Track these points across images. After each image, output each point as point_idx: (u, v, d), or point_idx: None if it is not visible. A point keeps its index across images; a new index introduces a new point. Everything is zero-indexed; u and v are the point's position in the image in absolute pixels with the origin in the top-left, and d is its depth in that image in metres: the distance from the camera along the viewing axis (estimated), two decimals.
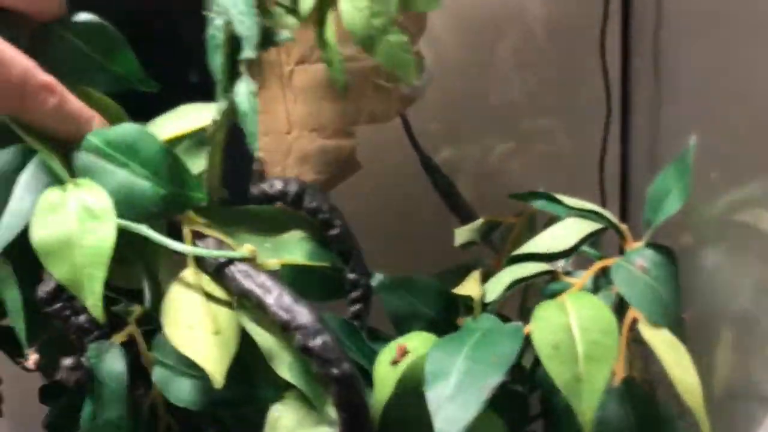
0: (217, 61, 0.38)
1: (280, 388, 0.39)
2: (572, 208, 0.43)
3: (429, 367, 0.36)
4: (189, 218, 0.39)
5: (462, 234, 0.48)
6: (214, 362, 0.36)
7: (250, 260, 0.39)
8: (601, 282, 0.43)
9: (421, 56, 0.55)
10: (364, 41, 0.37)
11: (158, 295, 0.40)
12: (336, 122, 0.55)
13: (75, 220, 0.35)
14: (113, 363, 0.40)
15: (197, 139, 0.40)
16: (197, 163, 0.39)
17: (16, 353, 0.49)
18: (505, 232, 0.51)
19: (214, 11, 0.38)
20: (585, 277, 0.41)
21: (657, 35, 0.54)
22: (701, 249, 0.46)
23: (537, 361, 0.40)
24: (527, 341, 0.37)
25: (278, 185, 0.42)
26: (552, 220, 0.46)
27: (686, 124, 0.50)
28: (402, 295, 0.44)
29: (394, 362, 0.38)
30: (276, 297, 0.37)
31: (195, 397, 0.39)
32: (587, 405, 0.34)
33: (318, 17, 0.38)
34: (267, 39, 0.37)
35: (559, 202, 0.44)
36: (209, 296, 0.38)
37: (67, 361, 0.39)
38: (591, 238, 0.42)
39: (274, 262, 0.40)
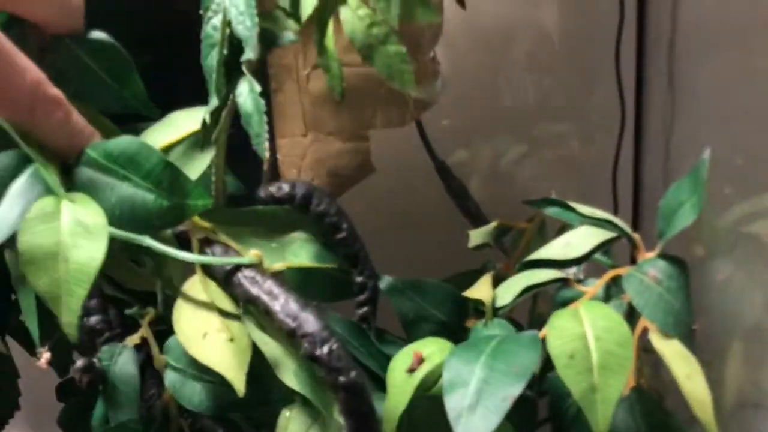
0: (211, 60, 0.38)
1: (291, 391, 0.39)
2: (585, 217, 0.44)
3: (447, 375, 0.36)
4: (195, 223, 0.39)
5: (476, 236, 0.48)
6: (233, 370, 0.36)
7: (256, 265, 0.39)
8: (612, 290, 0.43)
9: (437, 62, 0.56)
10: (363, 50, 0.37)
11: (171, 299, 0.40)
12: (351, 126, 0.56)
13: (67, 232, 0.35)
14: (126, 366, 0.40)
15: (190, 143, 0.40)
16: (194, 167, 0.39)
17: (33, 349, 0.50)
18: (516, 237, 0.51)
19: (212, 10, 0.38)
20: (597, 285, 0.42)
21: (672, 46, 0.55)
22: (713, 260, 0.47)
23: (546, 366, 0.41)
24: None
25: (286, 188, 0.43)
26: (564, 226, 0.47)
27: (699, 135, 0.51)
28: (411, 298, 0.44)
29: (411, 370, 0.38)
30: (282, 304, 0.37)
31: (207, 401, 0.39)
32: (602, 415, 0.35)
33: (318, 23, 0.38)
34: (269, 41, 0.37)
35: (573, 210, 0.45)
36: (219, 303, 0.38)
37: (80, 363, 0.39)
38: (604, 247, 0.43)
39: (279, 266, 0.41)
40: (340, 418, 0.38)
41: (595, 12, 0.64)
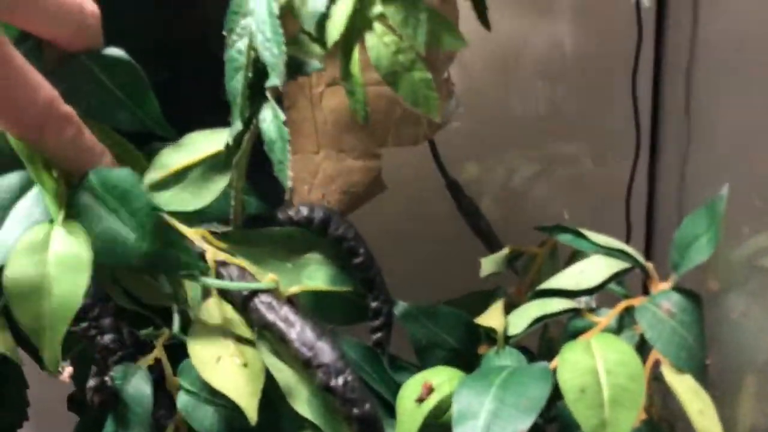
0: (236, 84, 0.37)
1: (303, 419, 0.39)
2: (598, 245, 0.44)
3: (457, 406, 0.36)
4: (212, 243, 0.39)
5: (488, 264, 0.48)
6: (246, 396, 0.36)
7: (273, 290, 0.39)
8: (625, 320, 0.43)
9: (451, 82, 0.56)
10: (388, 76, 0.36)
11: (186, 320, 0.40)
12: (364, 144, 0.56)
13: (53, 263, 0.35)
14: (139, 386, 0.40)
15: (208, 165, 0.40)
16: (210, 190, 0.39)
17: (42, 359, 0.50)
18: (527, 261, 0.51)
19: (236, 33, 0.37)
20: (610, 316, 0.42)
21: (689, 73, 0.54)
22: (727, 294, 0.47)
23: (557, 394, 0.41)
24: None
25: (304, 212, 0.42)
26: (576, 252, 0.47)
27: (715, 163, 0.50)
28: (425, 324, 0.44)
29: (420, 399, 0.38)
30: (299, 332, 0.37)
31: (219, 425, 0.39)
32: None
33: (343, 48, 0.37)
34: (295, 68, 0.37)
35: (585, 238, 0.45)
36: (233, 327, 0.38)
37: (92, 382, 0.39)
38: (617, 278, 0.43)
39: (295, 289, 0.40)
40: None
41: (612, 35, 0.63)
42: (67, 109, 0.35)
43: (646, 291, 0.43)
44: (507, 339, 0.43)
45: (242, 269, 0.39)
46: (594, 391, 0.36)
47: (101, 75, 0.38)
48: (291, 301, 0.39)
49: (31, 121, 0.34)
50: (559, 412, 0.42)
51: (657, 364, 0.40)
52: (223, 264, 0.39)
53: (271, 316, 0.38)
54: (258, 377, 0.37)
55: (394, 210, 0.65)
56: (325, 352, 0.36)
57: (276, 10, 0.36)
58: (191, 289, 0.40)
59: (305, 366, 0.37)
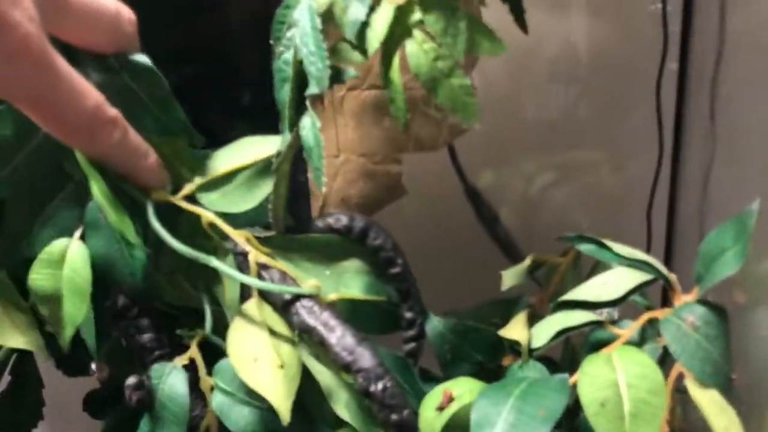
0: (284, 95, 0.38)
1: (336, 424, 0.39)
2: (622, 257, 0.43)
3: (475, 415, 0.36)
4: (255, 248, 0.40)
5: (509, 277, 0.48)
6: (281, 397, 0.36)
7: (313, 296, 0.39)
8: (647, 332, 0.42)
9: (474, 89, 0.55)
10: (428, 83, 0.37)
11: (219, 322, 0.41)
12: (384, 148, 0.55)
13: (65, 280, 0.39)
14: (176, 385, 0.40)
15: (256, 170, 0.41)
16: (254, 195, 0.40)
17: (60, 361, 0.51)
18: (549, 270, 0.51)
19: (283, 44, 0.38)
20: (632, 328, 0.41)
21: (715, 83, 0.54)
22: (754, 308, 0.46)
23: (577, 407, 0.41)
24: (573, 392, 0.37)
25: (344, 220, 0.43)
26: (599, 262, 0.46)
27: (739, 172, 0.50)
28: (451, 340, 0.43)
29: (440, 408, 0.38)
30: (339, 337, 0.37)
31: (254, 426, 0.39)
32: None
33: (384, 56, 0.37)
34: (334, 77, 0.37)
35: (608, 249, 0.44)
36: (272, 328, 0.39)
37: (131, 380, 0.40)
38: (640, 290, 0.42)
39: (333, 297, 0.41)
40: None
41: (636, 40, 0.63)
42: (114, 111, 0.36)
43: (665, 302, 0.43)
44: (530, 351, 0.42)
45: (283, 273, 0.40)
46: (615, 405, 0.36)
47: (129, 80, 0.39)
48: (331, 306, 0.40)
49: (81, 126, 0.35)
50: (581, 424, 0.42)
51: (680, 377, 0.39)
52: (265, 267, 0.40)
53: (311, 321, 0.38)
54: (294, 379, 0.37)
55: (414, 215, 0.64)
56: (366, 358, 0.37)
57: (318, 24, 0.37)
58: (229, 289, 0.41)
59: (345, 370, 0.37)
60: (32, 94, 0.34)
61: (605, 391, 0.36)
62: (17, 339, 0.42)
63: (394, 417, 0.36)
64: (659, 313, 0.41)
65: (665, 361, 0.40)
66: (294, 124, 0.38)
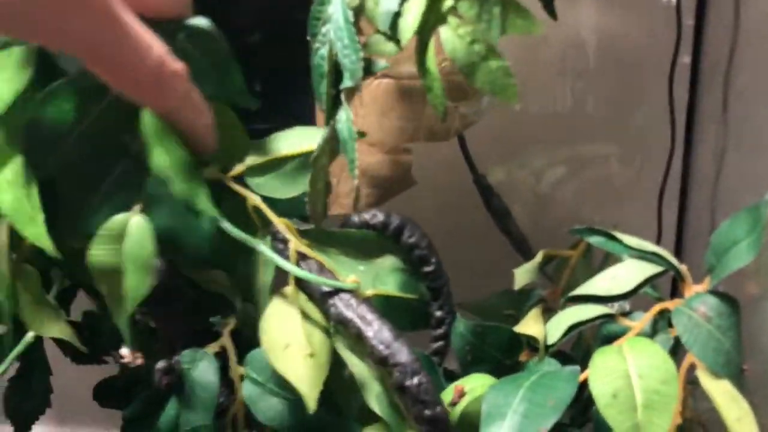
0: (322, 89, 0.38)
1: (365, 417, 0.39)
2: (632, 248, 0.43)
3: (485, 407, 0.36)
4: (294, 239, 0.40)
5: (522, 275, 0.48)
6: (309, 385, 0.36)
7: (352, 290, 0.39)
8: (659, 323, 0.42)
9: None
10: (466, 68, 0.36)
11: (250, 311, 0.41)
12: (395, 138, 0.55)
13: (127, 254, 0.37)
14: (206, 372, 0.41)
15: (300, 161, 0.41)
16: (300, 183, 0.40)
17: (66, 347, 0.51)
18: (561, 263, 0.50)
19: (319, 40, 0.38)
20: (644, 320, 0.41)
21: (728, 75, 0.53)
22: (765, 299, 0.46)
23: (590, 400, 0.40)
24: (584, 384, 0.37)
25: (380, 216, 0.44)
26: (609, 254, 0.46)
27: (752, 166, 0.49)
28: (471, 341, 0.43)
29: (453, 404, 0.38)
30: (376, 330, 0.37)
31: (283, 417, 0.40)
32: None
33: (419, 44, 0.37)
34: (366, 69, 0.37)
35: (618, 241, 0.44)
36: (306, 317, 0.39)
37: (161, 364, 0.40)
38: (651, 282, 0.42)
39: (369, 293, 0.41)
40: None
41: (649, 33, 0.62)
42: (179, 65, 0.35)
43: (675, 293, 0.42)
44: (546, 347, 0.42)
45: (321, 264, 0.40)
46: (626, 396, 0.35)
47: (186, 43, 0.38)
48: (367, 300, 0.40)
49: (146, 78, 0.34)
50: (594, 417, 0.42)
51: (692, 367, 0.39)
52: (303, 257, 0.40)
53: (349, 313, 0.38)
54: (322, 368, 0.37)
55: (423, 205, 0.64)
56: (402, 352, 0.37)
57: (351, 17, 0.37)
58: (264, 274, 0.40)
59: (381, 364, 0.37)
60: (97, 47, 0.33)
61: (617, 382, 0.36)
62: (51, 328, 0.43)
63: (427, 412, 0.36)
64: (670, 304, 0.41)
65: (677, 351, 0.40)
66: (331, 118, 0.38)
